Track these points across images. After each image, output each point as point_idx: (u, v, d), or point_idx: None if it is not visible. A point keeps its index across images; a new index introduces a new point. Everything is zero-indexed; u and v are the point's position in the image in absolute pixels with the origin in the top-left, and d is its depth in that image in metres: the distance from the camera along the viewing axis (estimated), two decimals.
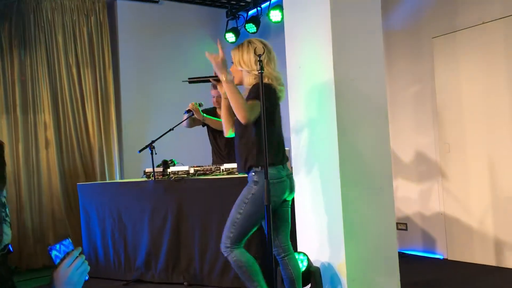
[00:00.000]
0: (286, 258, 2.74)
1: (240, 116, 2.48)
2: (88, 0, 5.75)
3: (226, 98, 2.71)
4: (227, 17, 6.53)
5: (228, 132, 2.85)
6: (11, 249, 1.91)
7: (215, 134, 4.51)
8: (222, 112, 2.83)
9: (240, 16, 6.43)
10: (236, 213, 2.59)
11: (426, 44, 4.70)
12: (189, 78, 2.77)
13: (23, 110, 5.44)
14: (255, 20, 6.08)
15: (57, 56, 5.61)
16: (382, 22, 3.34)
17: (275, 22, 5.79)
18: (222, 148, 4.54)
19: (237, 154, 2.70)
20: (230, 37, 6.39)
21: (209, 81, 2.75)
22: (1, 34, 5.33)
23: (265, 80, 2.57)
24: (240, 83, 2.72)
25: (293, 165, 3.35)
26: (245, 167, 2.65)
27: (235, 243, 2.59)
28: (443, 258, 4.57)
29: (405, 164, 4.89)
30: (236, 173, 3.85)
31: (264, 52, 2.54)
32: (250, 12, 6.33)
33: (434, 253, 4.68)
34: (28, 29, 5.48)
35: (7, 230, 1.80)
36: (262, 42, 2.67)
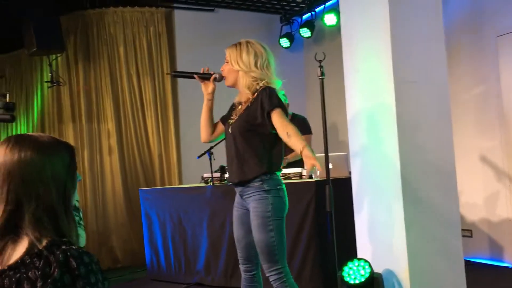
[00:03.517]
0: (257, 274, 2.57)
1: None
2: (147, 11, 5.95)
3: (210, 100, 2.66)
4: (281, 22, 6.55)
5: (207, 138, 2.72)
6: None
7: None
8: (203, 116, 2.68)
9: (294, 21, 6.43)
10: (267, 234, 2.38)
11: (490, 43, 4.50)
12: (173, 71, 2.61)
13: (88, 119, 5.72)
14: (309, 24, 6.07)
15: (119, 67, 5.84)
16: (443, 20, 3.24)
17: (330, 26, 5.75)
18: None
19: (238, 162, 2.51)
20: (284, 42, 6.41)
21: (194, 77, 2.58)
22: (67, 47, 5.62)
23: (264, 84, 2.53)
24: (233, 84, 2.62)
25: (351, 169, 3.31)
26: (250, 176, 2.45)
27: (284, 263, 2.45)
28: None
29: (470, 168, 4.69)
30: (294, 178, 3.85)
31: (264, 57, 2.51)
32: (304, 17, 6.32)
33: (501, 261, 4.45)
34: (92, 42, 5.76)
35: (82, 233, 1.90)
36: (261, 45, 2.60)
